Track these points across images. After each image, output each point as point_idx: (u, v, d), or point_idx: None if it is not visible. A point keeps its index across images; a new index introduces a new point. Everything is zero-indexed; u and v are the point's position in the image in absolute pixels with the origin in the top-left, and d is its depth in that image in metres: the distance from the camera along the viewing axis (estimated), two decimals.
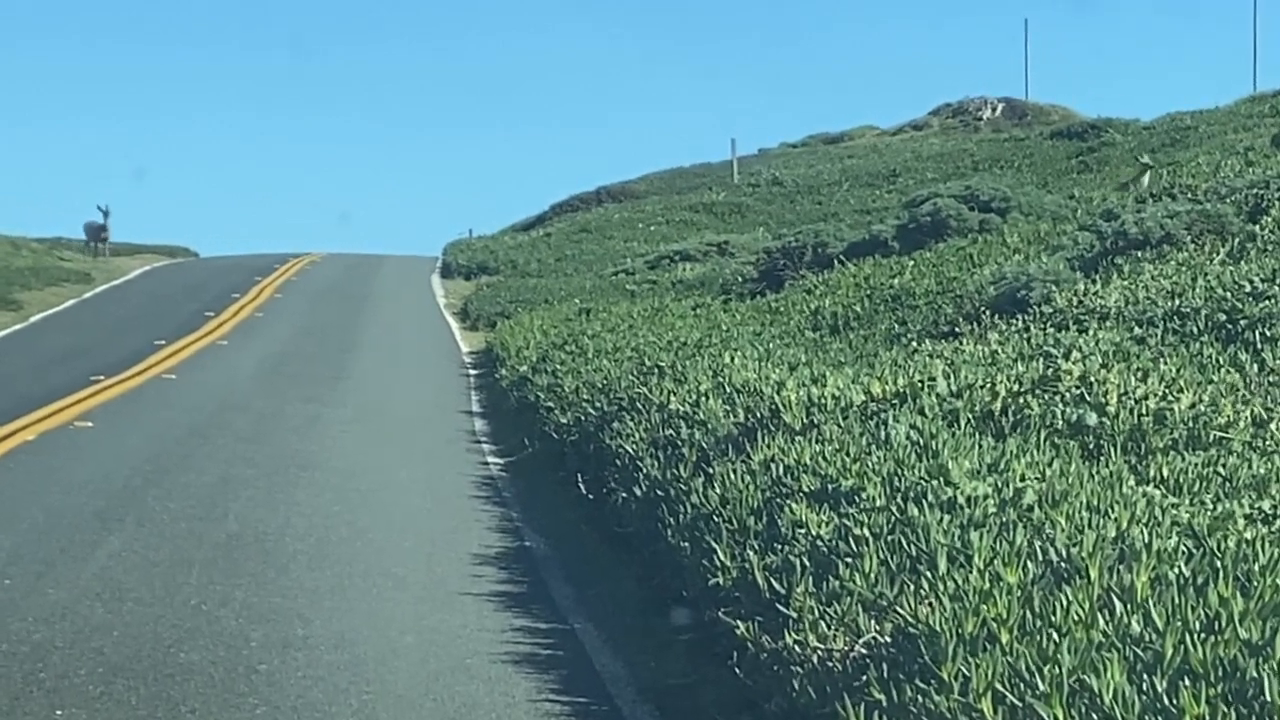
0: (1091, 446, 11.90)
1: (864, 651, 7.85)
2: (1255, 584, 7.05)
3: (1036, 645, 6.81)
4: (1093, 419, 12.16)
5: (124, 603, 12.20)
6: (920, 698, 6.93)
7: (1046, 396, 12.87)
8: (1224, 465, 11.01)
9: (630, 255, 53.53)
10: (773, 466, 11.07)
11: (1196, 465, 11.01)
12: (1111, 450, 11.73)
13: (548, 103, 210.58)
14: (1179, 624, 6.62)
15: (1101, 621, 6.96)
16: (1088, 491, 9.35)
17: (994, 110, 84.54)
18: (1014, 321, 20.69)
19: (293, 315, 42.84)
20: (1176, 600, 6.91)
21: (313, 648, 11.14)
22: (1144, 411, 12.27)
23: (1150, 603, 7.00)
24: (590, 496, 16.28)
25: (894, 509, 9.27)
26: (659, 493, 12.86)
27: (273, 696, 10.03)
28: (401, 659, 11.01)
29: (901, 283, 28.56)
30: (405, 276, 59.80)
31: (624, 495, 14.23)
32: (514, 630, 11.98)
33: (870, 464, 10.34)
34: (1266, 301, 17.81)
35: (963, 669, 6.89)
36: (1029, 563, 7.94)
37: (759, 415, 12.96)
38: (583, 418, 18.36)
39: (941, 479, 9.70)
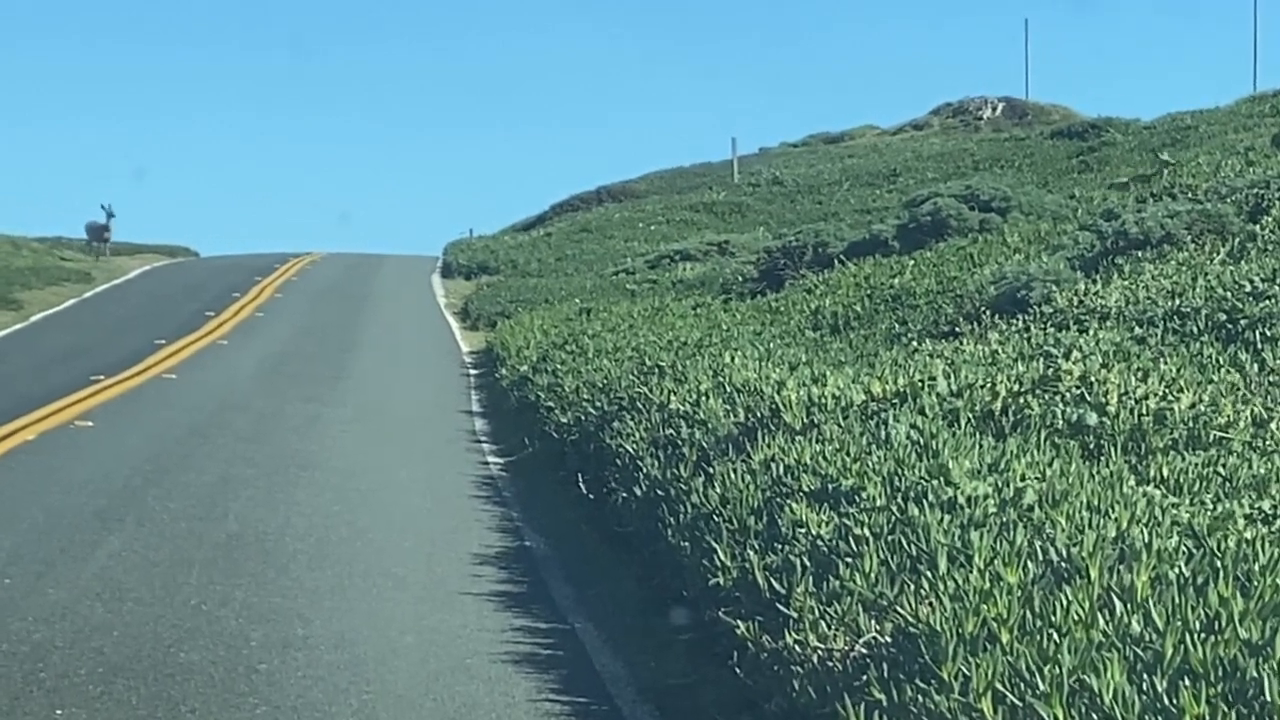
0: (1092, 446, 11.90)
1: (864, 651, 7.85)
2: (1255, 584, 7.05)
3: (1037, 645, 6.81)
4: (1093, 419, 12.16)
5: (124, 602, 12.20)
6: (920, 698, 6.93)
7: (1047, 396, 12.87)
8: (1224, 465, 11.01)
9: (630, 255, 53.53)
10: (773, 466, 11.07)
11: (1197, 465, 11.01)
12: (1112, 450, 11.72)
13: (548, 103, 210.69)
14: (1179, 624, 6.62)
15: (1102, 621, 6.96)
16: (1088, 491, 9.35)
17: (994, 110, 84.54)
18: (1014, 321, 20.69)
19: (293, 315, 42.85)
20: (1176, 600, 6.91)
21: (313, 647, 11.14)
22: (1144, 411, 12.27)
23: (1150, 603, 7.00)
24: (590, 496, 16.28)
25: (894, 509, 9.27)
26: (659, 492, 12.86)
27: (273, 696, 10.03)
28: (401, 659, 11.01)
29: (902, 282, 28.56)
30: (405, 276, 59.80)
31: (624, 495, 14.23)
32: (514, 630, 11.98)
33: (870, 464, 10.34)
34: (1267, 301, 17.81)
35: (963, 669, 6.89)
36: (1029, 562, 7.94)
37: (759, 415, 12.96)
38: (583, 417, 18.36)
39: (942, 479, 9.70)
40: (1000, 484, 9.58)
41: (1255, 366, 15.39)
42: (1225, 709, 6.02)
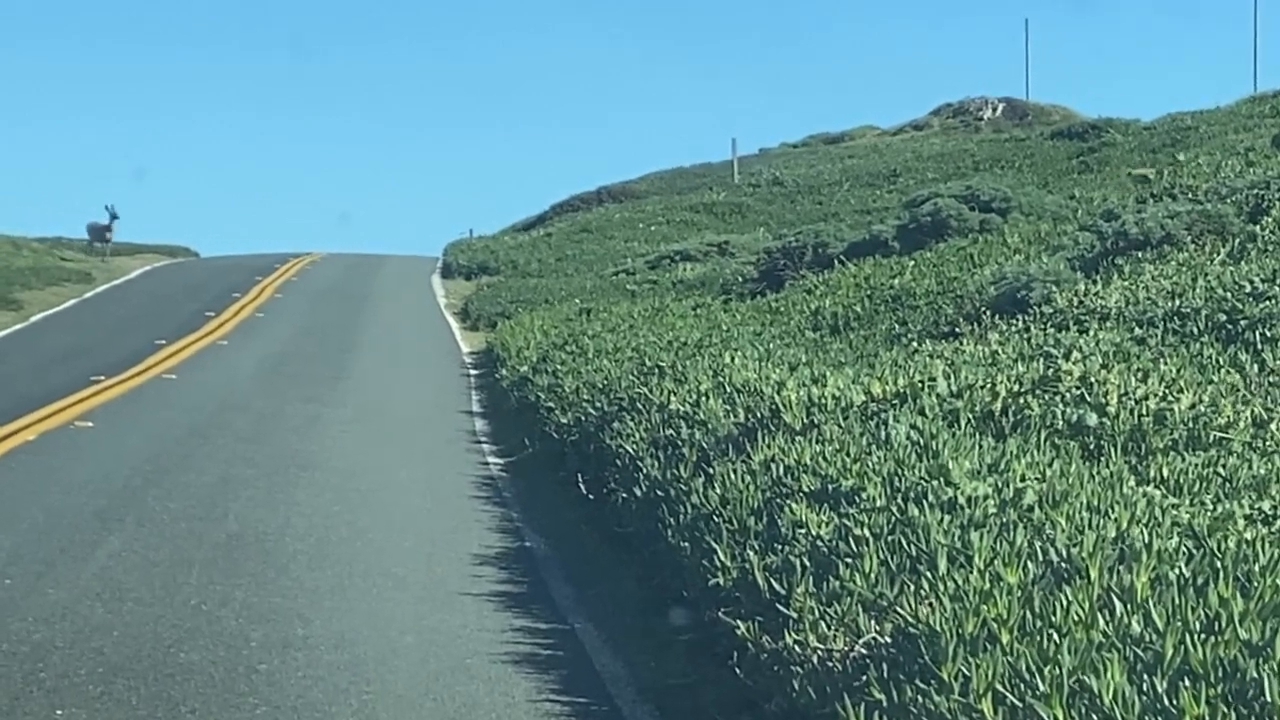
0: (1092, 447, 11.90)
1: (864, 652, 7.85)
2: (1255, 584, 7.05)
3: (1037, 645, 6.81)
4: (1093, 419, 12.16)
5: (124, 603, 12.20)
6: (920, 698, 6.93)
7: (1047, 397, 12.87)
8: (1224, 466, 11.01)
9: (631, 255, 53.52)
10: (773, 466, 11.07)
11: (1197, 466, 11.01)
12: (1112, 450, 11.72)
13: (548, 103, 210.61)
14: (1179, 624, 6.62)
15: (1102, 622, 6.96)
16: (1088, 492, 9.35)
17: (995, 110, 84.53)
18: (1014, 322, 20.69)
19: (293, 315, 42.85)
20: (1177, 601, 6.91)
21: (313, 648, 11.14)
22: (1144, 412, 12.27)
23: (1150, 603, 7.00)
24: (590, 496, 16.28)
25: (894, 509, 9.27)
26: (659, 493, 12.86)
27: (273, 696, 10.03)
28: (401, 659, 11.02)
29: (902, 283, 28.56)
30: (406, 276, 59.79)
31: (624, 495, 14.23)
32: (514, 630, 11.98)
33: (870, 464, 10.34)
34: (1267, 302, 17.81)
35: (963, 669, 6.89)
36: (1029, 563, 7.94)
37: (759, 415, 12.96)
38: (583, 418, 18.37)
39: (942, 479, 9.70)
40: (1000, 484, 9.58)
41: (1255, 367, 15.40)
42: (1225, 710, 6.02)
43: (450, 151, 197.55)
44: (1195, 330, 17.64)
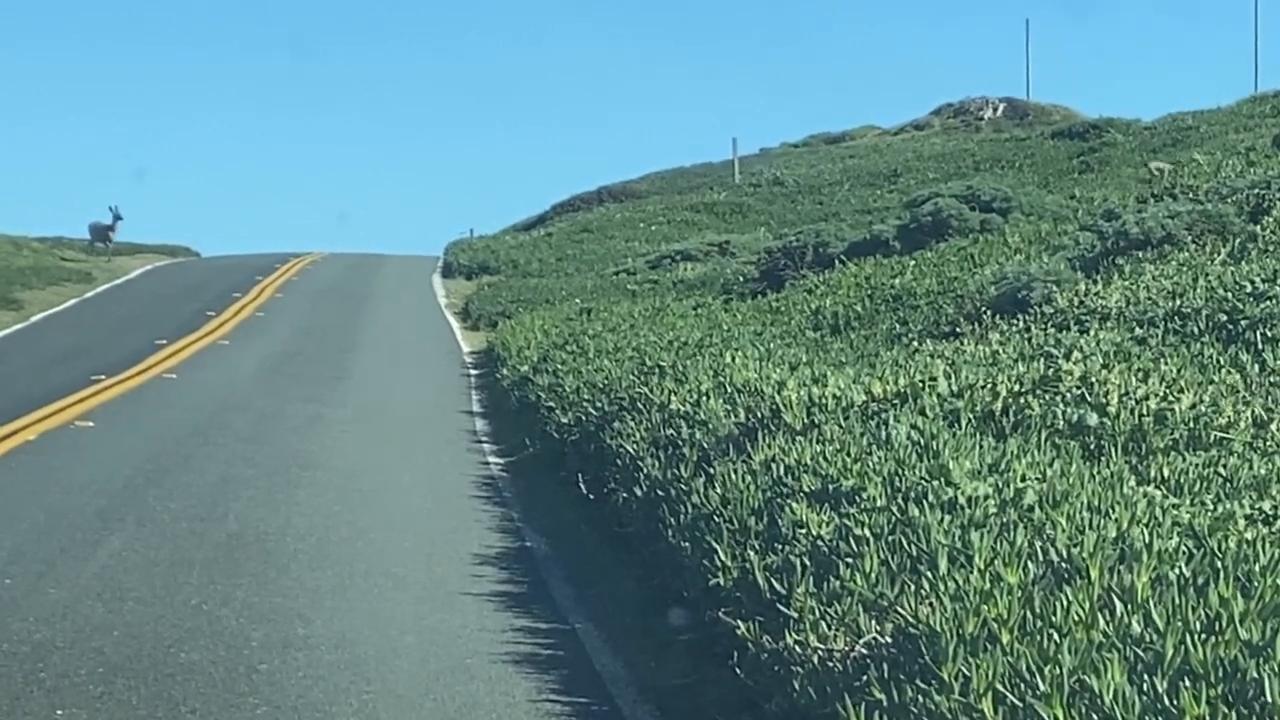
0: (1092, 447, 11.90)
1: (864, 652, 7.85)
2: (1256, 584, 7.05)
3: (1037, 645, 6.81)
4: (1093, 419, 12.16)
5: (125, 602, 12.21)
6: (921, 698, 6.93)
7: (1047, 397, 12.87)
8: (1224, 466, 11.01)
9: (631, 255, 53.52)
10: (773, 466, 11.08)
11: (1197, 466, 11.01)
12: (1112, 450, 11.72)
13: (548, 103, 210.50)
14: (1179, 624, 6.62)
15: (1102, 622, 6.96)
16: (1088, 492, 9.35)
17: (995, 110, 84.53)
18: (1015, 321, 20.69)
19: (294, 315, 42.85)
20: (1177, 601, 6.91)
21: (313, 647, 11.14)
22: (1145, 412, 12.27)
23: (1151, 603, 7.00)
24: (591, 496, 16.28)
25: (895, 509, 9.27)
26: (659, 493, 12.86)
27: (273, 696, 10.03)
28: (402, 659, 11.02)
29: (902, 283, 28.56)
30: (406, 276, 59.79)
31: (625, 495, 14.23)
32: (514, 630, 11.98)
33: (871, 464, 10.34)
34: (1267, 302, 17.81)
35: (963, 669, 6.90)
36: (1029, 563, 7.94)
37: (760, 415, 12.96)
38: (583, 417, 18.37)
39: (942, 479, 9.70)
40: (1001, 484, 9.58)
41: (1256, 367, 15.40)
42: (1225, 710, 6.02)
43: (450, 151, 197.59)
44: (1196, 330, 17.64)
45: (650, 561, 12.82)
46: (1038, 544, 8.21)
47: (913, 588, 7.93)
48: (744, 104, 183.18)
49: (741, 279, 39.42)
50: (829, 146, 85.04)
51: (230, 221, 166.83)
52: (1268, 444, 12.11)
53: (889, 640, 7.73)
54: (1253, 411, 12.92)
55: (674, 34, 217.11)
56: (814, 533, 9.40)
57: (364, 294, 51.64)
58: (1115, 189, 39.63)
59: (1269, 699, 6.02)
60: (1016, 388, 13.01)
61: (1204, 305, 18.26)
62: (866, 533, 8.95)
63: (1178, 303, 18.72)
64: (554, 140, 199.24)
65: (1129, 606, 7.07)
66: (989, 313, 21.92)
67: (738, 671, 9.20)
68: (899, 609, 7.75)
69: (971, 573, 7.81)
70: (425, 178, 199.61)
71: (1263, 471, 10.81)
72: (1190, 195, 27.34)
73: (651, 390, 16.44)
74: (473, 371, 32.81)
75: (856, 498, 9.78)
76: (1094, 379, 13.21)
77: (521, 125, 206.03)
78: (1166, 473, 10.83)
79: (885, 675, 7.38)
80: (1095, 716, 6.25)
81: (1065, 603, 7.16)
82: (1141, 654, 6.56)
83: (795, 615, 8.47)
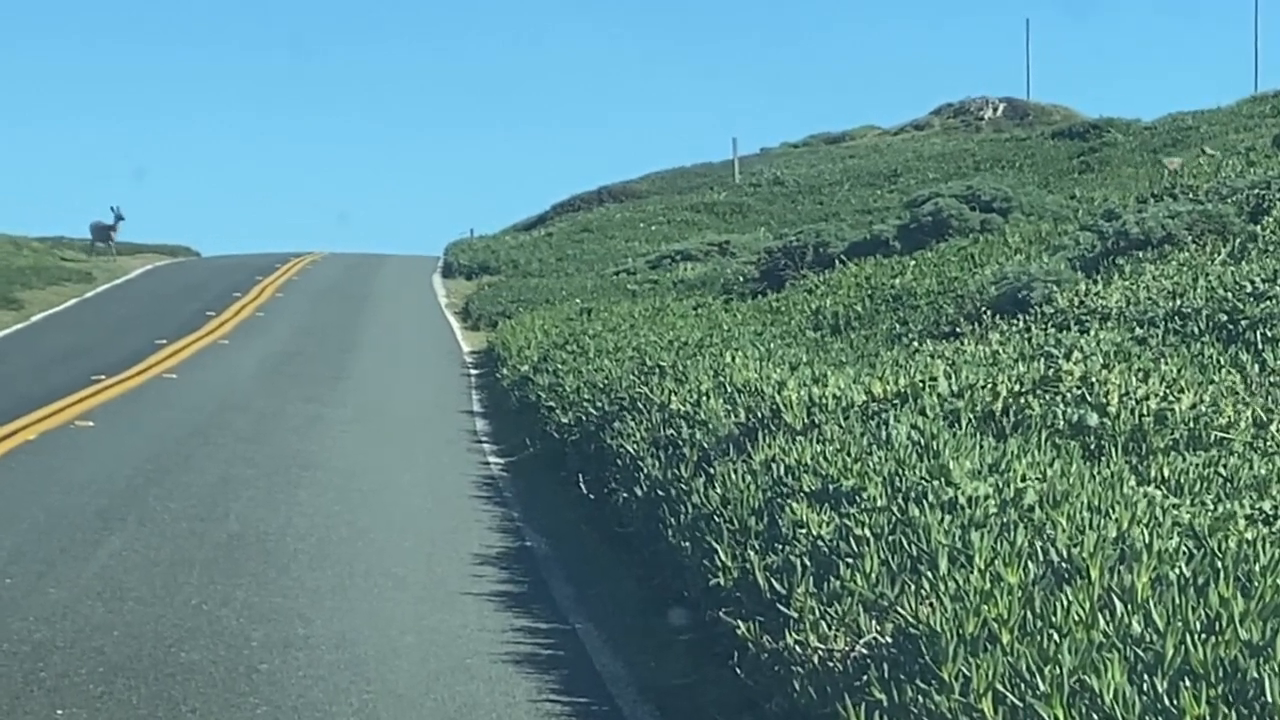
0: (1092, 447, 11.90)
1: (865, 652, 7.85)
2: (1256, 584, 7.05)
3: (1037, 645, 6.81)
4: (1094, 419, 12.16)
5: (125, 602, 12.21)
6: (921, 698, 6.93)
7: (1047, 397, 12.87)
8: (1225, 466, 11.01)
9: (631, 255, 53.52)
10: (774, 466, 11.07)
11: (1197, 466, 11.01)
12: (1112, 451, 11.72)
13: (548, 103, 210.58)
14: (1180, 624, 6.62)
15: (1102, 622, 6.96)
16: (1089, 492, 9.35)
17: (995, 110, 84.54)
18: (1015, 321, 20.69)
19: (294, 315, 42.85)
20: (1177, 601, 6.91)
21: (314, 647, 11.15)
22: (1145, 412, 12.27)
23: (1151, 603, 7.00)
24: (591, 496, 16.28)
25: (895, 509, 9.27)
26: (660, 493, 12.86)
27: (274, 696, 10.03)
28: (402, 659, 11.02)
29: (903, 282, 28.56)
30: (406, 276, 59.79)
31: (625, 495, 14.23)
32: (514, 630, 11.99)
33: (871, 464, 10.34)
34: (1268, 302, 17.81)
35: (963, 669, 6.90)
36: (1030, 563, 7.94)
37: (760, 415, 12.96)
38: (584, 417, 18.37)
39: (942, 479, 9.70)
40: (1001, 484, 9.58)
41: (1256, 367, 15.39)
42: (1226, 710, 6.02)
43: (450, 151, 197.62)
44: (1196, 330, 17.64)
45: (650, 561, 12.82)
46: (1038, 544, 8.21)
47: (913, 588, 7.93)
48: (744, 104, 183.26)
49: (742, 279, 39.42)
50: (829, 146, 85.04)
51: (230, 221, 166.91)
52: (1268, 444, 12.11)
53: (889, 640, 7.73)
54: (1253, 412, 12.92)
55: (674, 34, 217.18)
56: (814, 533, 9.40)
57: (364, 294, 51.64)
58: (1115, 189, 39.63)
59: (1269, 699, 6.02)
60: (1017, 388, 13.01)
61: (1204, 305, 18.26)
62: (866, 533, 8.96)
63: (1178, 303, 18.72)
64: (554, 140, 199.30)
65: (1129, 606, 7.07)
66: (989, 313, 21.92)
67: (738, 671, 9.20)
68: (899, 609, 7.75)
69: (972, 573, 7.81)
70: (425, 178, 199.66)
71: (1263, 471, 10.81)
72: (1190, 195, 27.33)
73: (652, 390, 16.44)
74: (473, 371, 32.81)
75: (857, 498, 9.78)
76: (1094, 379, 13.20)
77: (521, 125, 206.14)
78: (1167, 473, 10.83)
79: (885, 675, 7.38)
80: (1095, 716, 6.25)
81: (1065, 603, 7.16)
82: (1142, 654, 6.56)
83: (795, 615, 8.48)
